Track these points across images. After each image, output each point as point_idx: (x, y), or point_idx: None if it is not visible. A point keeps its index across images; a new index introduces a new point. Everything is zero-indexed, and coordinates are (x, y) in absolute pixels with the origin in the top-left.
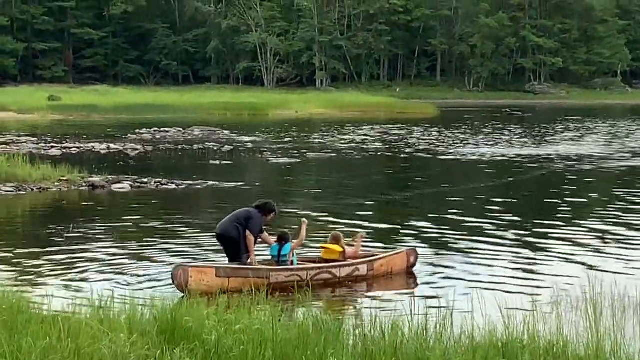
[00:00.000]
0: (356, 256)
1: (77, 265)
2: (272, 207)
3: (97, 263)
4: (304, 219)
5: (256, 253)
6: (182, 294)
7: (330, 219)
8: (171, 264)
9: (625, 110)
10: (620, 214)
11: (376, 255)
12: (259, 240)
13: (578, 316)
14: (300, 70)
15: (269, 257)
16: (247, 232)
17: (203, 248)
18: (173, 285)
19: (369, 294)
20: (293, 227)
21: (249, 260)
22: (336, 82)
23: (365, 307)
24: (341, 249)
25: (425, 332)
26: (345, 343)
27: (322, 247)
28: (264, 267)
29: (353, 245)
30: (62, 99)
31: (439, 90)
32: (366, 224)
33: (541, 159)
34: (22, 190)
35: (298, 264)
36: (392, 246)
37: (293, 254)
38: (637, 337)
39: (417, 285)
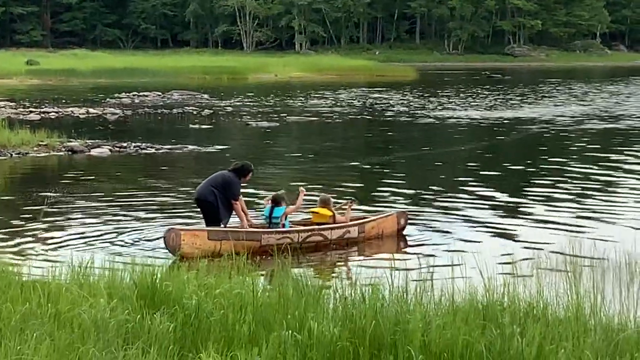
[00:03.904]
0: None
1: (57, 230)
2: (249, 168)
3: (77, 228)
4: (302, 188)
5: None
6: (172, 257)
7: (313, 182)
8: (151, 229)
9: (605, 72)
10: (598, 176)
11: (367, 217)
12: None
13: (558, 278)
14: (279, 33)
15: (262, 219)
16: (235, 200)
17: (183, 212)
18: (154, 249)
19: (355, 256)
20: (270, 191)
21: (244, 224)
22: (315, 46)
23: (348, 270)
24: (331, 213)
25: (405, 294)
26: (326, 306)
27: (312, 212)
28: (255, 229)
29: (343, 211)
30: (41, 63)
31: (418, 53)
32: (348, 187)
33: (520, 121)
34: (1, 155)
35: (290, 226)
36: (375, 209)
37: (286, 218)
38: (617, 299)
39: (404, 247)
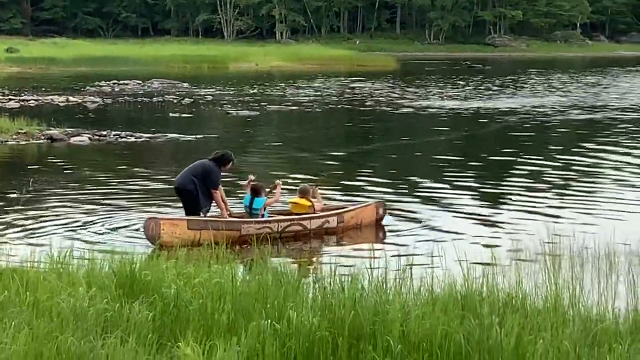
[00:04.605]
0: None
1: (36, 219)
2: (229, 157)
3: (56, 217)
4: (278, 181)
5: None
6: (153, 246)
7: (293, 171)
8: (130, 217)
9: (585, 63)
10: (577, 167)
11: (347, 207)
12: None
13: (537, 269)
14: (260, 22)
15: (242, 209)
16: (215, 189)
17: (163, 200)
18: (134, 238)
19: (335, 246)
20: (242, 180)
21: (224, 214)
22: (296, 35)
23: (327, 260)
24: (310, 203)
25: (384, 285)
26: (305, 296)
27: (291, 202)
28: (235, 219)
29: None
30: (21, 51)
31: (399, 43)
32: (326, 174)
33: (500, 111)
34: None
35: (269, 216)
36: (354, 198)
37: (265, 209)
38: (595, 289)
39: (382, 237)
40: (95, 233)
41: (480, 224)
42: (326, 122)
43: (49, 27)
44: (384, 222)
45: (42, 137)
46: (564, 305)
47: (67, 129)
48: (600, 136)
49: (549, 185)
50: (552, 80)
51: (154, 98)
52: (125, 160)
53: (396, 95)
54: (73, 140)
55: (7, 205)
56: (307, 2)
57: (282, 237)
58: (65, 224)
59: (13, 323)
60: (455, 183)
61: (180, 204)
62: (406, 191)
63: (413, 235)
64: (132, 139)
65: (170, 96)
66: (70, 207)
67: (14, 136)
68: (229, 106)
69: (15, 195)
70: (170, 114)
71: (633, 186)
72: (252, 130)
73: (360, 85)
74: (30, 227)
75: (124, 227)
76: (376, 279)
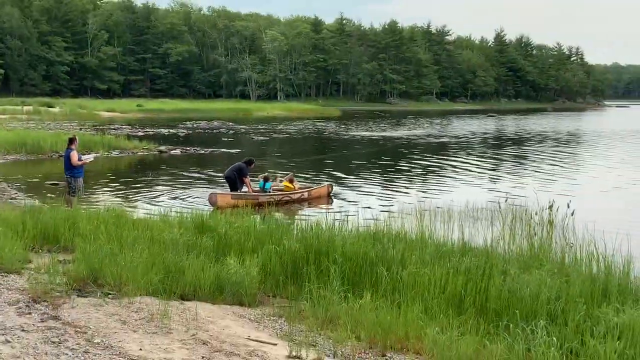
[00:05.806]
0: (300, 188)
1: (152, 191)
2: (253, 160)
3: (162, 191)
4: (279, 178)
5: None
6: (212, 208)
7: (286, 168)
8: (203, 193)
9: (437, 113)
10: (434, 164)
11: (313, 187)
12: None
13: (412, 218)
14: (269, 91)
15: (258, 188)
16: (244, 178)
17: (217, 184)
18: (207, 204)
19: (307, 207)
20: (260, 174)
21: (249, 191)
22: (288, 97)
23: (304, 215)
24: (293, 186)
25: (333, 226)
26: (292, 233)
27: (284, 184)
28: (255, 194)
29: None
30: (144, 105)
31: (342, 101)
32: (303, 170)
33: (393, 137)
34: (123, 153)
35: (273, 192)
36: (316, 182)
37: (271, 189)
38: (441, 229)
39: (332, 203)
40: (183, 200)
41: (383, 196)
42: (302, 143)
43: (159, 92)
44: (332, 195)
45: (155, 150)
46: (425, 237)
47: (169, 146)
48: (444, 148)
49: (418, 174)
50: (419, 122)
51: (214, 130)
52: (199, 162)
53: (339, 129)
54: (172, 152)
55: (137, 185)
56: (294, 80)
57: (279, 203)
58: (168, 194)
59: (141, 247)
60: (369, 174)
61: (226, 185)
62: (344, 178)
63: (347, 202)
64: (203, 152)
65: (223, 129)
66: (170, 185)
67: (141, 150)
68: (253, 134)
69: (142, 179)
70: (222, 138)
71: (463, 172)
72: (264, 147)
73: (320, 124)
74: (149, 196)
75: (197, 197)
76: (329, 224)
